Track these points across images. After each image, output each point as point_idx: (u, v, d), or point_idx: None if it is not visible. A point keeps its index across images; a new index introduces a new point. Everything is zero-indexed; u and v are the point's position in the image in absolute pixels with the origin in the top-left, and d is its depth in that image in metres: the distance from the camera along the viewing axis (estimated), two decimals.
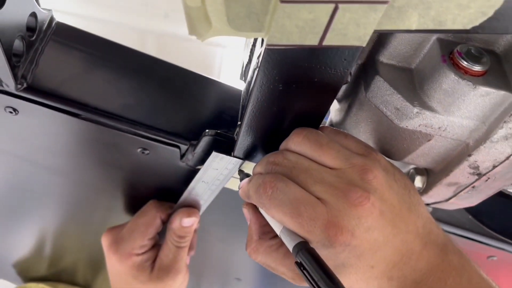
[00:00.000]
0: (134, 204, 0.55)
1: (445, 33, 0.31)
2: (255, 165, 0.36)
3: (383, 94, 0.33)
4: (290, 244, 0.31)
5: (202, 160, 0.43)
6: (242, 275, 0.80)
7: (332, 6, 0.25)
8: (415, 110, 0.32)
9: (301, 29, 0.27)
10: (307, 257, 0.29)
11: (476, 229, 0.56)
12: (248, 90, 0.37)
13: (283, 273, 0.36)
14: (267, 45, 0.28)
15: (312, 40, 0.27)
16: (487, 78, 0.30)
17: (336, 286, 0.28)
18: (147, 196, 0.53)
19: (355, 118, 0.39)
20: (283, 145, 0.35)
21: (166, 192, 0.52)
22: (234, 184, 0.48)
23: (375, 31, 0.27)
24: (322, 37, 0.27)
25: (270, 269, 0.36)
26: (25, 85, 0.39)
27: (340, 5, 0.25)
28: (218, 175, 0.44)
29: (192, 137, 0.44)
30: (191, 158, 0.44)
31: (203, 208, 0.51)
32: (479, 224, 0.52)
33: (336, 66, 0.29)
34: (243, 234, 0.41)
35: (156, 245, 0.53)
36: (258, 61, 0.30)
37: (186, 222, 0.50)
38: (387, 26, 0.27)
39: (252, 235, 0.37)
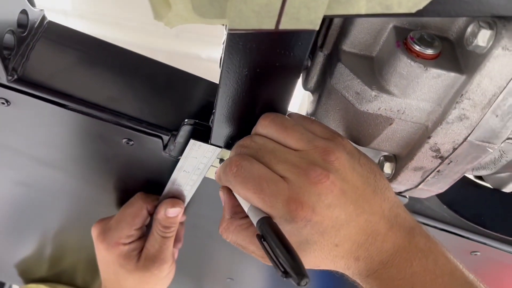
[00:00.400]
0: (123, 197, 0.57)
1: (393, 17, 0.33)
2: (230, 152, 0.39)
3: (344, 79, 0.35)
4: (254, 220, 0.33)
5: (183, 150, 0.45)
6: (235, 275, 0.81)
7: None
8: (373, 93, 0.34)
9: (257, 13, 0.29)
10: (267, 230, 0.31)
11: (457, 223, 0.57)
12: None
13: (252, 251, 0.37)
14: (229, 29, 0.30)
15: (268, 24, 0.30)
16: (439, 61, 0.32)
17: (292, 255, 0.29)
18: (135, 189, 0.55)
19: (325, 107, 0.41)
20: (253, 130, 0.38)
21: (152, 184, 0.54)
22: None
23: (326, 16, 0.29)
24: (278, 22, 0.29)
25: (241, 248, 0.38)
26: (15, 76, 0.42)
27: None
28: (198, 163, 0.46)
29: (174, 128, 0.46)
30: (173, 148, 0.46)
31: (187, 198, 0.53)
32: (456, 216, 0.53)
33: (293, 49, 0.31)
34: None
35: (143, 236, 0.55)
36: (223, 46, 0.32)
37: (170, 212, 0.52)
38: (337, 11, 0.29)
39: (224, 215, 0.38)
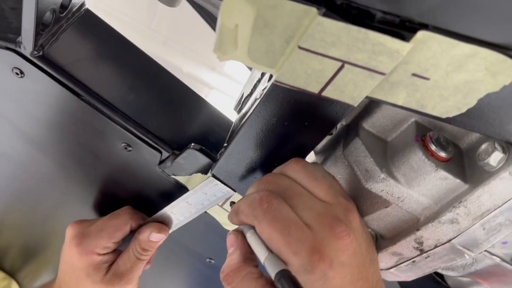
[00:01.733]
0: (100, 203, 0.56)
1: (423, 116, 0.36)
2: (250, 188, 0.37)
3: (358, 154, 0.37)
4: (273, 270, 0.31)
5: (180, 170, 0.45)
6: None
7: (339, 64, 0.29)
8: (382, 175, 0.36)
9: (308, 75, 0.31)
10: (288, 283, 0.30)
11: None
12: (241, 119, 0.41)
13: None
14: (275, 81, 0.32)
15: (314, 87, 0.31)
16: (449, 165, 0.35)
17: None
18: (120, 200, 0.54)
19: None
20: (278, 170, 0.37)
21: (140, 203, 0.54)
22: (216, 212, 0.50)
23: (367, 96, 0.31)
24: (323, 88, 0.31)
25: None
26: (41, 53, 0.41)
27: (346, 65, 0.29)
28: (204, 200, 0.46)
29: (176, 147, 0.46)
30: (169, 166, 0.46)
31: (175, 227, 0.53)
32: None
33: (327, 116, 0.33)
34: None
35: (117, 250, 0.54)
36: (262, 93, 0.34)
37: (154, 237, 0.52)
38: (378, 96, 0.31)
39: (234, 259, 0.36)
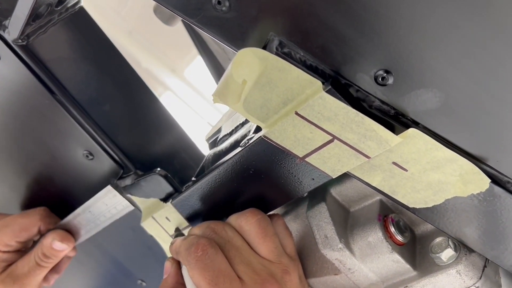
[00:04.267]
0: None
1: (390, 200, 0.37)
2: (194, 227, 0.38)
3: (320, 219, 0.38)
4: None
5: (139, 192, 0.44)
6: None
7: (329, 137, 0.30)
8: (340, 245, 0.37)
9: (297, 139, 0.31)
10: None
11: None
12: (217, 156, 0.41)
13: None
14: (264, 136, 0.32)
15: (299, 151, 0.32)
16: (402, 250, 0.36)
17: None
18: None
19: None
20: (234, 216, 0.38)
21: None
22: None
23: (346, 172, 0.32)
24: (308, 154, 0.32)
25: None
26: (24, 42, 0.39)
27: (335, 140, 0.30)
28: (106, 211, 0.45)
29: (139, 166, 0.45)
30: (128, 184, 0.45)
31: (82, 238, 0.51)
32: None
33: (303, 180, 0.34)
34: None
35: (22, 251, 0.51)
36: (247, 143, 0.34)
37: (56, 245, 0.49)
38: (356, 173, 0.33)
39: (167, 286, 0.37)
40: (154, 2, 0.31)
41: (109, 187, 0.42)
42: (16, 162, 0.52)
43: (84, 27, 0.45)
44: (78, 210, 0.48)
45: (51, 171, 0.50)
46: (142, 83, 0.48)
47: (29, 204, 0.55)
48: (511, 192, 0.29)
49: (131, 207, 0.42)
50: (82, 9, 0.45)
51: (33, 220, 0.50)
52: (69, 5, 0.43)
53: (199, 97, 2.03)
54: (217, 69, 0.89)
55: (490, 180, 0.29)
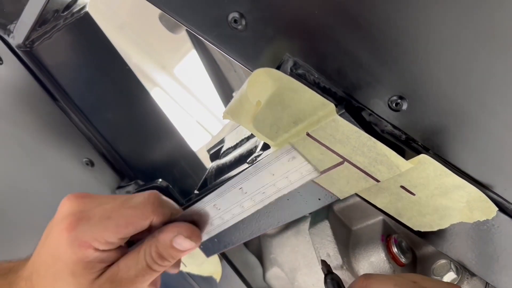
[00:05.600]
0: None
1: (394, 221, 0.37)
2: None
3: (323, 237, 0.38)
4: None
5: None
6: None
7: (340, 159, 0.30)
8: (341, 264, 0.37)
9: (306, 160, 0.31)
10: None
11: None
12: (220, 169, 0.40)
13: None
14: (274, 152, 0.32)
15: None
16: (404, 270, 0.37)
17: None
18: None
19: (285, 240, 0.43)
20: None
21: None
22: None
23: (354, 193, 0.32)
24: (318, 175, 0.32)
25: None
26: (28, 48, 0.39)
27: (346, 163, 0.30)
28: (273, 181, 0.32)
29: (140, 175, 0.45)
30: (129, 193, 0.44)
31: (211, 233, 0.39)
32: None
33: (310, 198, 0.34)
34: None
35: (122, 248, 0.38)
36: (255, 160, 0.34)
37: (179, 244, 0.37)
38: (363, 195, 0.33)
39: None
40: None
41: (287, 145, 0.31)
42: (16, 165, 0.51)
43: (88, 33, 0.44)
44: (223, 188, 0.35)
45: (50, 179, 0.49)
46: (144, 89, 0.48)
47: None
48: None
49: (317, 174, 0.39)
50: (87, 15, 0.45)
51: (145, 212, 0.37)
52: (75, 10, 0.43)
53: (188, 94, 2.02)
54: (214, 71, 0.88)
55: (497, 209, 0.29)
